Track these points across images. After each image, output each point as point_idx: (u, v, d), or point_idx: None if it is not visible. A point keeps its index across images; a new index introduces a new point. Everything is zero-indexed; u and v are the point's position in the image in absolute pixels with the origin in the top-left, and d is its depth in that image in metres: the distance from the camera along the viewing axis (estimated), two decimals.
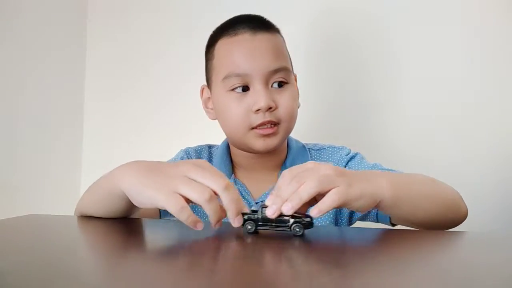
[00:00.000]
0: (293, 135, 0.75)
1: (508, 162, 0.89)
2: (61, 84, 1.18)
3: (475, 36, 0.92)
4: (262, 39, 0.67)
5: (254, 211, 0.45)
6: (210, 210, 0.43)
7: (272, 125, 0.66)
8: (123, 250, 0.39)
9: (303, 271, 0.32)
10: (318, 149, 0.77)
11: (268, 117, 0.65)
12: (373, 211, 0.69)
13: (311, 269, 0.32)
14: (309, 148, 0.77)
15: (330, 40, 1.03)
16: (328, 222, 0.69)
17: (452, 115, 0.94)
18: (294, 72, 0.73)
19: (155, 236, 0.49)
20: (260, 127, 0.66)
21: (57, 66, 1.17)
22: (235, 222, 0.44)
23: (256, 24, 0.68)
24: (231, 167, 0.74)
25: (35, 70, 1.09)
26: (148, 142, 1.19)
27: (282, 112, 0.66)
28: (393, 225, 0.64)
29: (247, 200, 0.69)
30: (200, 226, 0.44)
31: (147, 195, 0.45)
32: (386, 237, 0.49)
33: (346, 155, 0.74)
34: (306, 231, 0.44)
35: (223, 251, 0.40)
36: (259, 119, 0.65)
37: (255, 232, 0.45)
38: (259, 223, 0.44)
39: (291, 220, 0.43)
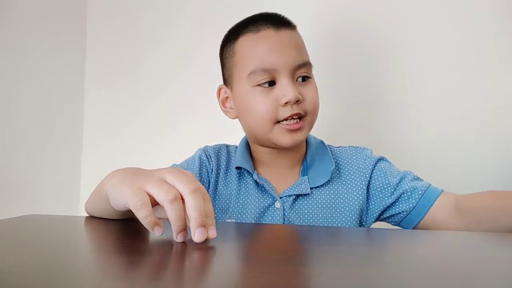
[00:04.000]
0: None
1: None
2: (61, 83, 1.18)
3: (485, 35, 0.91)
4: (285, 34, 0.68)
5: None
6: (171, 213, 0.39)
7: (298, 119, 0.66)
8: (123, 250, 0.39)
9: (302, 272, 0.31)
10: (339, 147, 0.77)
11: (296, 109, 0.66)
12: (404, 213, 0.67)
13: (309, 269, 0.32)
14: (328, 145, 0.77)
15: (335, 38, 1.02)
16: (352, 224, 0.68)
17: (462, 114, 0.92)
18: None
19: (156, 236, 0.48)
20: (287, 122, 0.66)
21: (57, 66, 1.16)
22: (195, 235, 0.39)
23: (277, 20, 0.69)
24: (253, 163, 0.73)
25: (34, 69, 1.09)
26: (148, 142, 1.19)
27: (308, 104, 0.67)
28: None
29: (272, 195, 0.69)
30: (158, 231, 0.40)
31: (120, 193, 0.43)
32: (385, 237, 0.49)
33: (371, 156, 0.73)
34: (301, 233, 0.43)
35: (223, 252, 0.40)
36: (287, 111, 0.65)
37: None
38: None
39: None
